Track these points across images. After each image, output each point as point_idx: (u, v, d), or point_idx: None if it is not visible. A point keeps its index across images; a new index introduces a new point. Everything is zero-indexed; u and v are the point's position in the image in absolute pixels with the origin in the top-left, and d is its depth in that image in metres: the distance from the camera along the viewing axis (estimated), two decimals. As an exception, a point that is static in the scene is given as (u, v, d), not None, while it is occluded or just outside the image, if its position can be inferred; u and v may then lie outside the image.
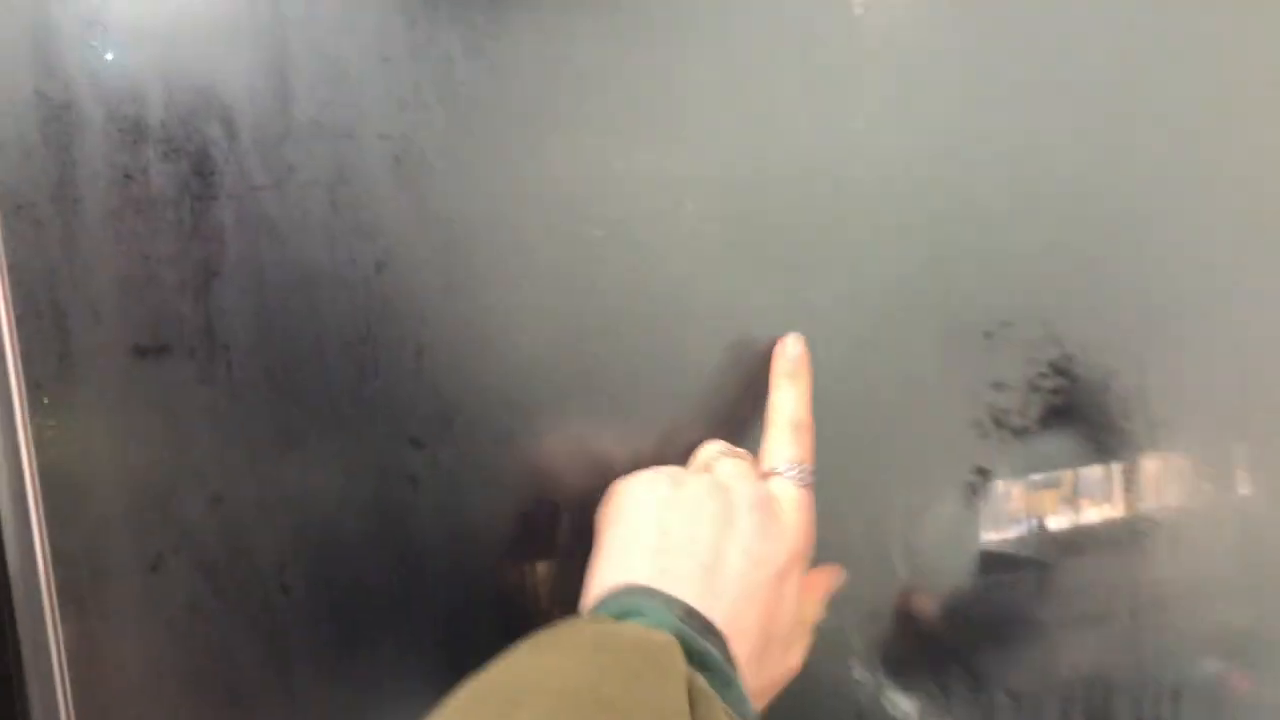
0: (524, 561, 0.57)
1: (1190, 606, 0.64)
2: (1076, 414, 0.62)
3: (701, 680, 0.42)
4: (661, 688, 0.40)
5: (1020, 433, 0.61)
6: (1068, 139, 0.62)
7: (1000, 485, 0.62)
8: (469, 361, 0.56)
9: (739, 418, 0.58)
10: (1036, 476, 0.62)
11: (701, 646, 0.43)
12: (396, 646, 0.56)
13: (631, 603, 0.46)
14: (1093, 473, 0.63)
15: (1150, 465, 0.63)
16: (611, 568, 0.49)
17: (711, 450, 0.55)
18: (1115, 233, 0.63)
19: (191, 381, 0.52)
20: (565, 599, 0.55)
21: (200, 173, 0.52)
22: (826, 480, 0.58)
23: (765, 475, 0.53)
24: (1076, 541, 0.64)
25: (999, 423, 0.61)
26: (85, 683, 0.51)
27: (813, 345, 0.59)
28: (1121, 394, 0.62)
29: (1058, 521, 0.63)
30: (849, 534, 0.60)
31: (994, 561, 0.63)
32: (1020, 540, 0.63)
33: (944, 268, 0.61)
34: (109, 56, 0.51)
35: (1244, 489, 0.64)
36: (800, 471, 0.52)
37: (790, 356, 0.55)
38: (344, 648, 0.55)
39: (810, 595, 0.53)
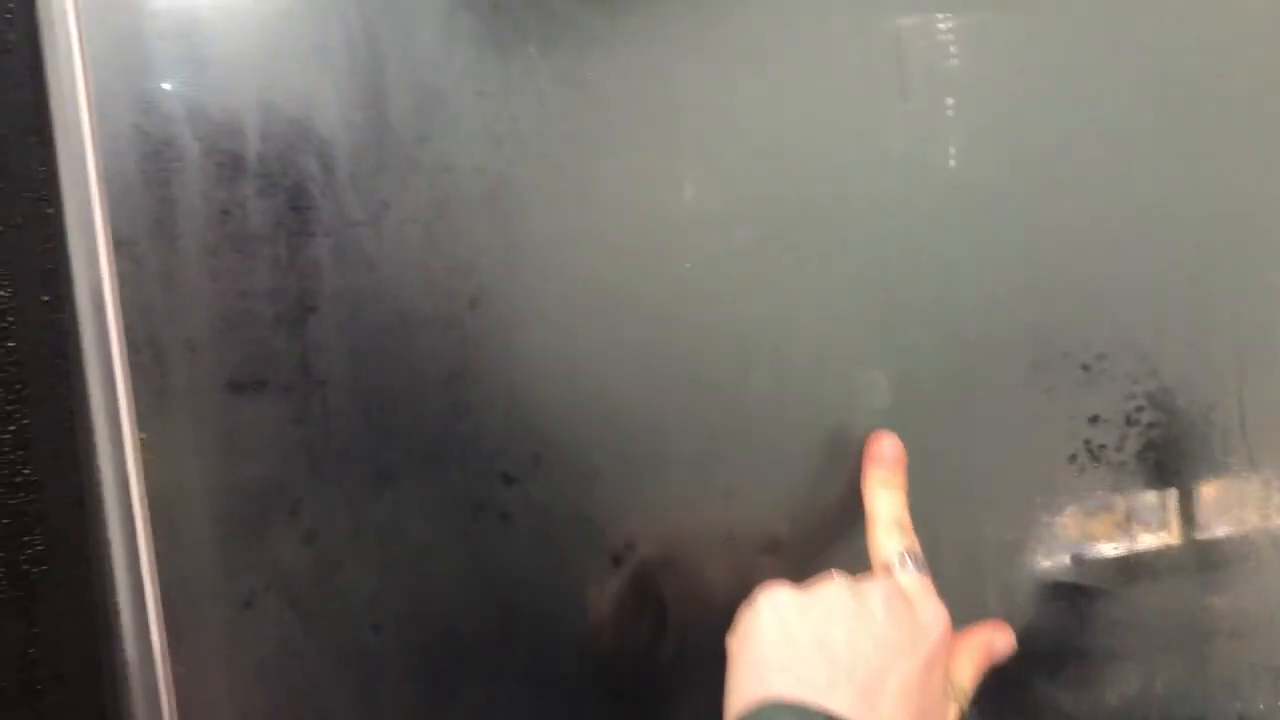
0: (615, 600, 0.56)
1: (1248, 640, 0.63)
2: (1175, 449, 0.60)
3: None
4: None
5: (1118, 467, 0.60)
6: (1161, 167, 0.61)
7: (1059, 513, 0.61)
8: (560, 398, 0.55)
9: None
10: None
11: None
12: (487, 687, 0.55)
13: (770, 717, 0.44)
14: (1148, 499, 0.62)
15: (1213, 491, 0.61)
16: (748, 685, 0.47)
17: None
18: (1210, 262, 0.61)
19: (286, 417, 0.52)
20: (655, 638, 0.54)
21: (296, 208, 0.51)
22: (921, 516, 0.57)
23: (878, 569, 0.53)
24: (1131, 570, 0.62)
25: (1095, 457, 0.60)
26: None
27: (905, 379, 0.58)
28: (1222, 427, 0.60)
29: (1113, 548, 0.62)
30: (943, 571, 0.59)
31: (1053, 590, 0.62)
32: (1075, 568, 0.61)
33: (1037, 300, 0.60)
34: (206, 92, 0.50)
35: None
36: (915, 560, 0.51)
37: (886, 461, 0.54)
38: (435, 688, 0.54)
39: (961, 665, 0.51)
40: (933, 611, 0.49)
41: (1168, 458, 0.61)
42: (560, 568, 0.55)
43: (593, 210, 0.55)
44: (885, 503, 0.53)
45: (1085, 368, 0.60)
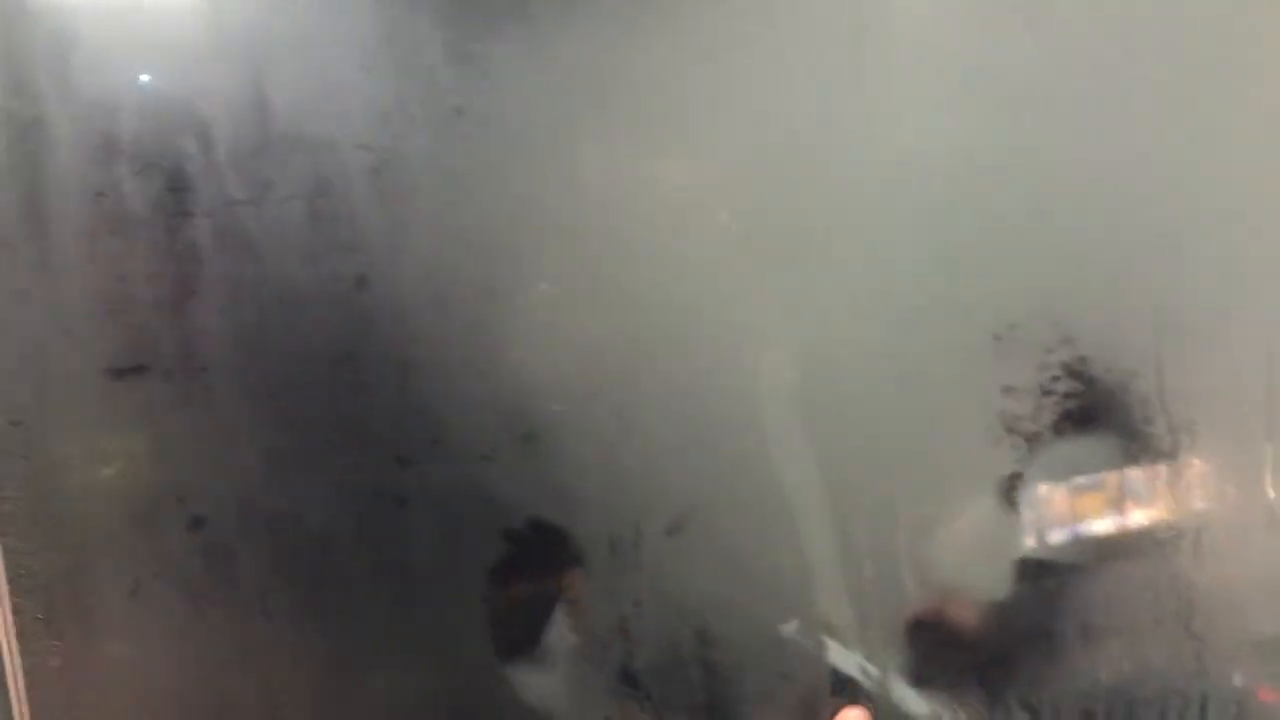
0: (516, 583, 0.55)
1: (1218, 616, 0.62)
2: (1093, 419, 0.59)
3: None
4: None
5: (1033, 439, 0.59)
6: (1078, 138, 0.59)
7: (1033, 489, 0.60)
8: (457, 377, 0.54)
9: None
10: (1079, 480, 0.60)
11: None
12: (385, 671, 0.54)
13: None
14: (1135, 475, 0.60)
15: (1170, 471, 0.60)
16: None
17: None
18: (1129, 232, 0.60)
19: (170, 403, 0.51)
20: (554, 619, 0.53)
21: (175, 189, 0.50)
22: (834, 489, 0.56)
23: None
24: (1099, 550, 0.61)
25: (1011, 429, 0.59)
26: (55, 710, 0.50)
27: (818, 352, 0.57)
28: (1141, 396, 0.59)
29: (1094, 527, 0.61)
30: (857, 544, 0.58)
31: (1013, 570, 0.61)
32: (1041, 547, 0.60)
33: (952, 270, 0.58)
34: (78, 71, 0.49)
35: (1272, 492, 0.61)
36: None
37: None
38: (330, 674, 0.54)
39: None
40: None
41: (1087, 430, 0.60)
42: (459, 551, 0.54)
43: (486, 186, 0.54)
44: None
45: (998, 338, 0.59)
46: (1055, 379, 0.59)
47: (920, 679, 0.59)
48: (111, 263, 0.50)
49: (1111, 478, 0.60)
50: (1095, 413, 0.59)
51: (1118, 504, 0.60)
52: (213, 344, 0.51)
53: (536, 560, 0.55)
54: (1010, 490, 0.59)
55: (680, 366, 0.56)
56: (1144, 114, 0.60)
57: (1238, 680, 0.61)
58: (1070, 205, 0.59)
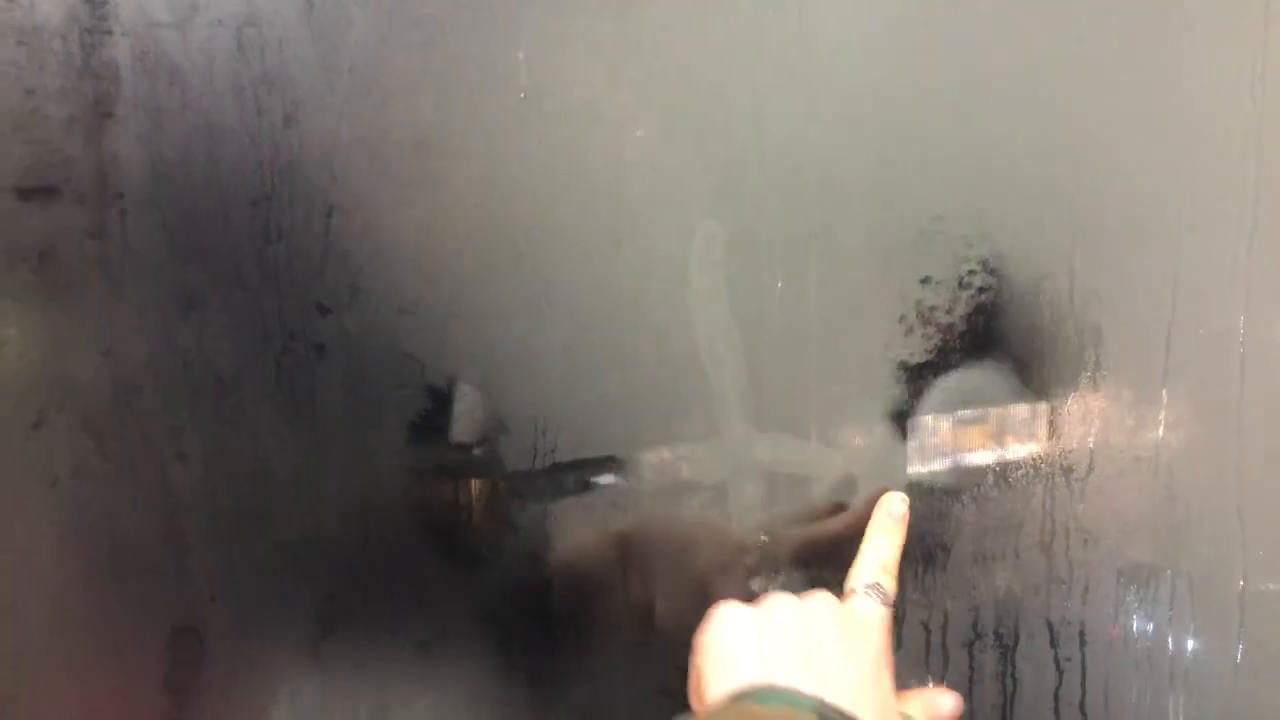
0: (435, 436, 0.55)
1: (1090, 546, 0.64)
2: (1005, 314, 0.61)
3: None
4: None
5: (946, 329, 0.60)
6: (1007, 40, 0.60)
7: (929, 420, 0.61)
8: (381, 226, 0.53)
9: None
10: (966, 412, 0.61)
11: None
12: (297, 521, 0.54)
13: (769, 692, 0.48)
14: (1019, 411, 0.62)
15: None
16: (716, 684, 0.50)
17: None
18: (1052, 137, 0.61)
19: (81, 229, 0.49)
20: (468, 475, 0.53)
21: (92, 1, 0.48)
22: (753, 374, 0.57)
23: (846, 594, 0.55)
24: (990, 476, 0.63)
25: (925, 319, 0.60)
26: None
27: (743, 234, 0.57)
28: (1052, 297, 0.61)
29: (979, 457, 0.63)
30: (772, 421, 0.59)
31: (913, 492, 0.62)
32: (939, 473, 0.62)
33: (877, 161, 0.59)
34: None
35: (1162, 427, 0.64)
36: (880, 594, 0.55)
37: (895, 515, 0.58)
38: (242, 522, 0.53)
39: (911, 705, 0.56)
40: (876, 627, 0.53)
41: (996, 323, 0.61)
42: (376, 403, 0.54)
43: (423, 26, 0.52)
44: (881, 545, 0.57)
45: (921, 230, 0.60)
46: (972, 273, 0.60)
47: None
48: (19, 75, 0.47)
49: (998, 409, 0.62)
50: (1007, 308, 0.61)
51: (1000, 436, 0.62)
52: (128, 171, 0.49)
53: (451, 417, 0.55)
54: (914, 387, 0.61)
55: (605, 242, 0.56)
56: (1067, 17, 0.60)
57: (1096, 610, 0.64)
58: (997, 107, 0.60)
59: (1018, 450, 0.63)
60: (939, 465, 0.62)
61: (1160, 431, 0.63)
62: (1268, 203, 0.61)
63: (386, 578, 0.54)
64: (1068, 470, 0.63)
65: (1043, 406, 0.62)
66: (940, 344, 0.61)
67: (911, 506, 0.59)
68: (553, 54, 0.54)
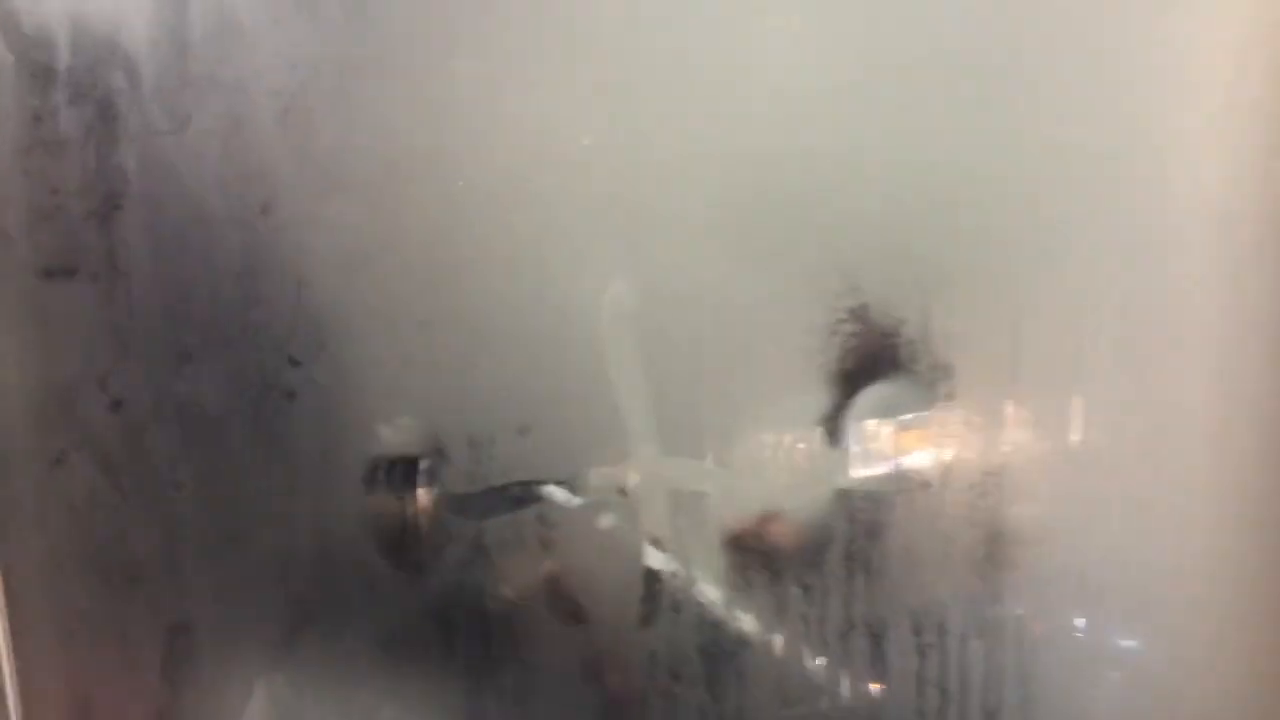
0: (388, 468, 0.66)
1: (1013, 550, 0.75)
2: (869, 356, 0.72)
3: None
4: None
5: (826, 373, 0.72)
6: (876, 111, 0.71)
7: (857, 426, 0.72)
8: (343, 294, 0.64)
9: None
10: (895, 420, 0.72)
11: None
12: (273, 536, 0.65)
13: None
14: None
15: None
16: None
17: None
18: (909, 202, 0.72)
19: (94, 302, 0.60)
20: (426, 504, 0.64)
21: (105, 117, 0.59)
22: (664, 401, 0.69)
23: None
24: (906, 481, 0.74)
25: (808, 362, 0.72)
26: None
27: (651, 290, 0.68)
28: (908, 340, 0.73)
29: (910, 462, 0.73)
30: (676, 451, 0.70)
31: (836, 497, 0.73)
32: (866, 479, 0.73)
33: (776, 221, 0.69)
34: (18, 6, 0.57)
35: (1021, 437, 0.75)
36: None
37: None
38: (228, 538, 0.64)
39: None
40: None
41: (866, 365, 0.73)
42: (340, 440, 0.65)
43: (377, 129, 0.63)
44: None
45: (806, 283, 0.71)
46: (841, 321, 0.72)
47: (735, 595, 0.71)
48: (46, 177, 0.58)
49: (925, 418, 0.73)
50: (871, 351, 0.72)
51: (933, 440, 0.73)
52: (134, 253, 0.60)
53: (406, 452, 0.66)
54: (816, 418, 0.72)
55: (531, 292, 0.67)
56: (935, 88, 0.71)
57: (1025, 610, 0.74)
58: (867, 179, 0.71)
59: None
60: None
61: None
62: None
63: (345, 585, 0.65)
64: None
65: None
66: (822, 383, 0.72)
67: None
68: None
